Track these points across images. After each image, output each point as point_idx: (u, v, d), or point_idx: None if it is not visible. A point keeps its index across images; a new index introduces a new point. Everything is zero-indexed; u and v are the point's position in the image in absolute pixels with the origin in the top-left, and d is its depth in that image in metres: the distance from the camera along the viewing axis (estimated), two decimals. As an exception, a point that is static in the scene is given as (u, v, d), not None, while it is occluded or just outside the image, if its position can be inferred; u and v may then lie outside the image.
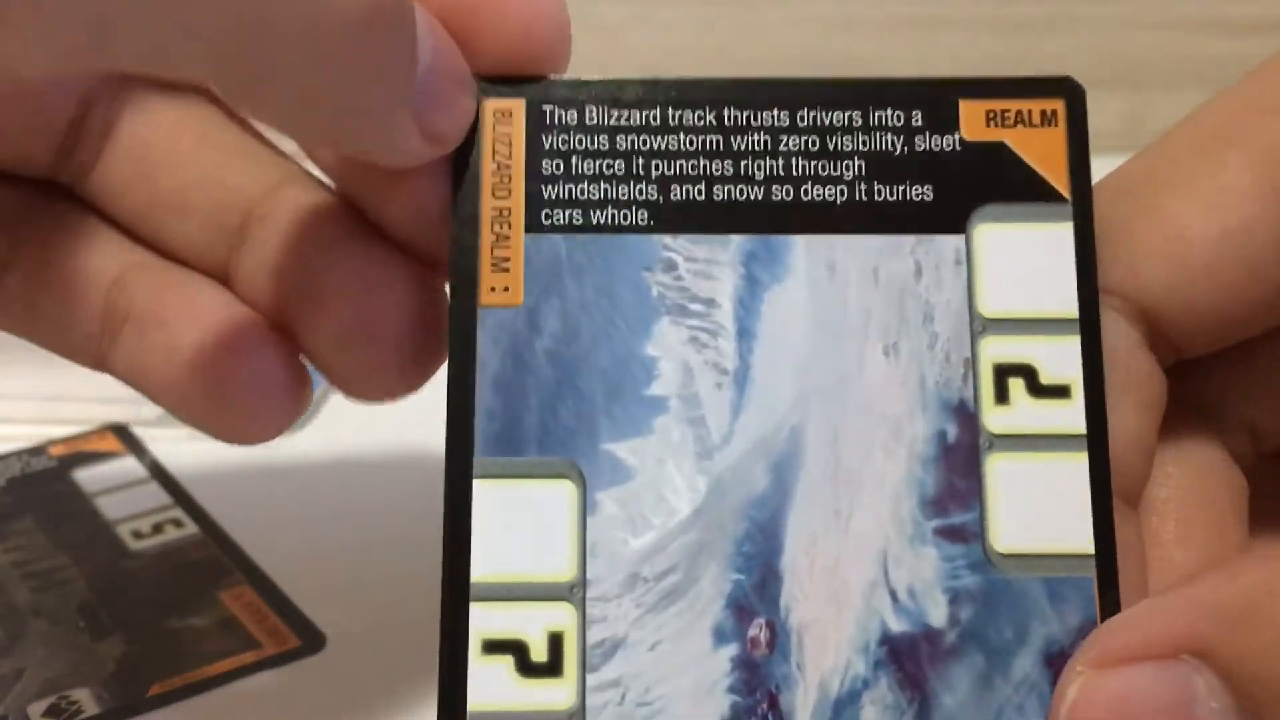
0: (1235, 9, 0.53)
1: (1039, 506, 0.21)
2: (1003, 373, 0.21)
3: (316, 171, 0.24)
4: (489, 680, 0.20)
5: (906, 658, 0.21)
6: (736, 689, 0.21)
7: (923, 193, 0.22)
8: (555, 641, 0.21)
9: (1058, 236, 0.22)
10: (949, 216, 0.22)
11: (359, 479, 0.35)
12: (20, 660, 0.29)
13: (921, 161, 0.22)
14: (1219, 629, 0.20)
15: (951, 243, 0.22)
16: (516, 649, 0.21)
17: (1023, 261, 0.22)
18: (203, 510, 0.34)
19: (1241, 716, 0.20)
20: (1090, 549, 0.21)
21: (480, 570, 0.21)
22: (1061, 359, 0.21)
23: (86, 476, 0.36)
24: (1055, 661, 0.21)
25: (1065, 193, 0.22)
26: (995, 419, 0.21)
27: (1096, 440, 0.21)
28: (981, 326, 0.22)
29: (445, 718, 0.20)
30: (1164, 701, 0.20)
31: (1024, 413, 0.21)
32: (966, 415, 0.21)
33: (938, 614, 0.21)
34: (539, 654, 0.21)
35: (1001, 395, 0.21)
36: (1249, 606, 0.19)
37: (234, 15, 0.17)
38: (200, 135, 0.24)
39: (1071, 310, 0.21)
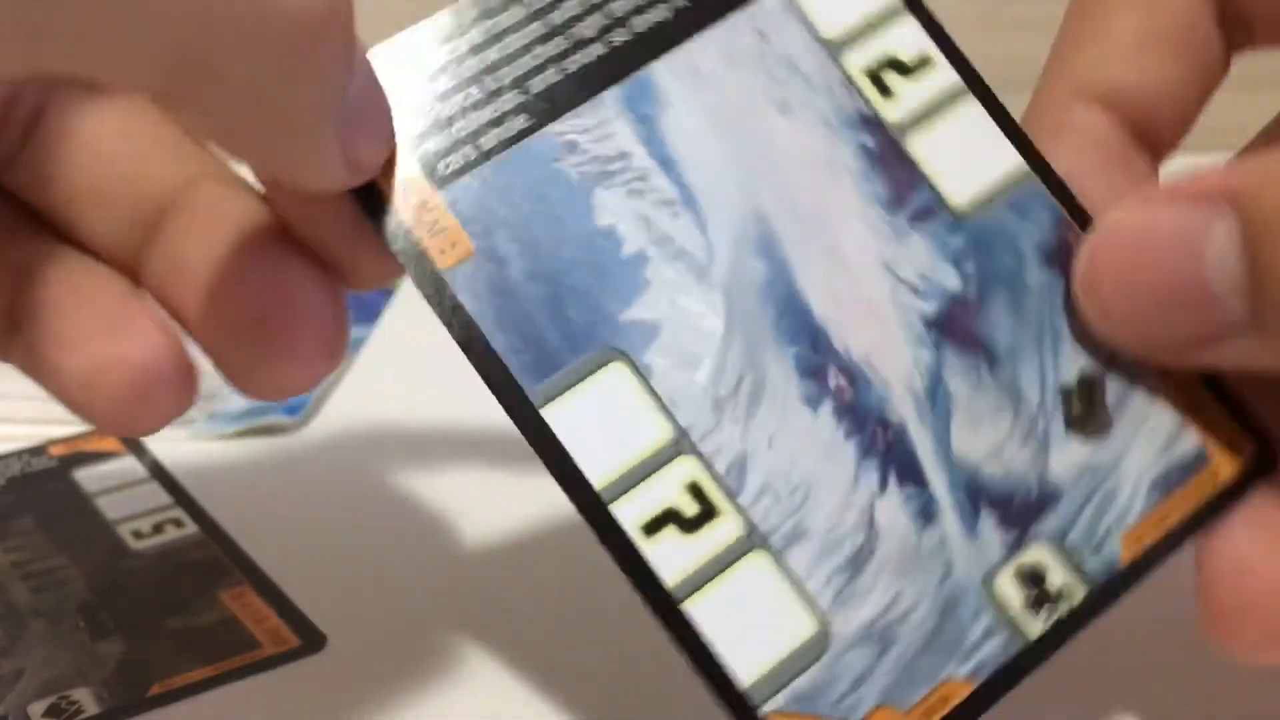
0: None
1: (967, 154, 0.24)
2: (873, 74, 0.24)
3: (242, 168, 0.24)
4: (668, 554, 0.22)
5: (954, 327, 0.24)
6: (852, 432, 0.23)
7: None
8: (696, 490, 0.22)
9: None
10: None
11: (359, 479, 0.35)
12: (20, 660, 0.29)
13: None
14: (1257, 182, 0.21)
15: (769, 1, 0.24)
16: (671, 516, 0.22)
17: None
18: (203, 510, 0.34)
19: (1243, 272, 0.21)
20: (1023, 164, 0.24)
21: (597, 476, 0.22)
22: (910, 38, 0.25)
23: (87, 476, 0.36)
24: (1055, 258, 0.24)
25: None
26: (892, 110, 0.24)
27: (973, 81, 0.25)
28: (835, 49, 0.24)
29: (656, 608, 0.21)
30: (1181, 236, 0.22)
31: (909, 93, 0.24)
32: (870, 121, 0.24)
33: (952, 281, 0.24)
34: (690, 508, 0.22)
35: (884, 90, 0.24)
36: None
37: (188, 16, 0.17)
38: (124, 127, 0.24)
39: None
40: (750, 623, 0.22)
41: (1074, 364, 0.24)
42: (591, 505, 0.22)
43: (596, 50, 0.23)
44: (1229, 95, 0.27)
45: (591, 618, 0.30)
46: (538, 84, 0.23)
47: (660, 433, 0.22)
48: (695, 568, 0.22)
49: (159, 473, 0.36)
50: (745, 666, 0.21)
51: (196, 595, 0.31)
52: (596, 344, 0.22)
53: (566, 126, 0.23)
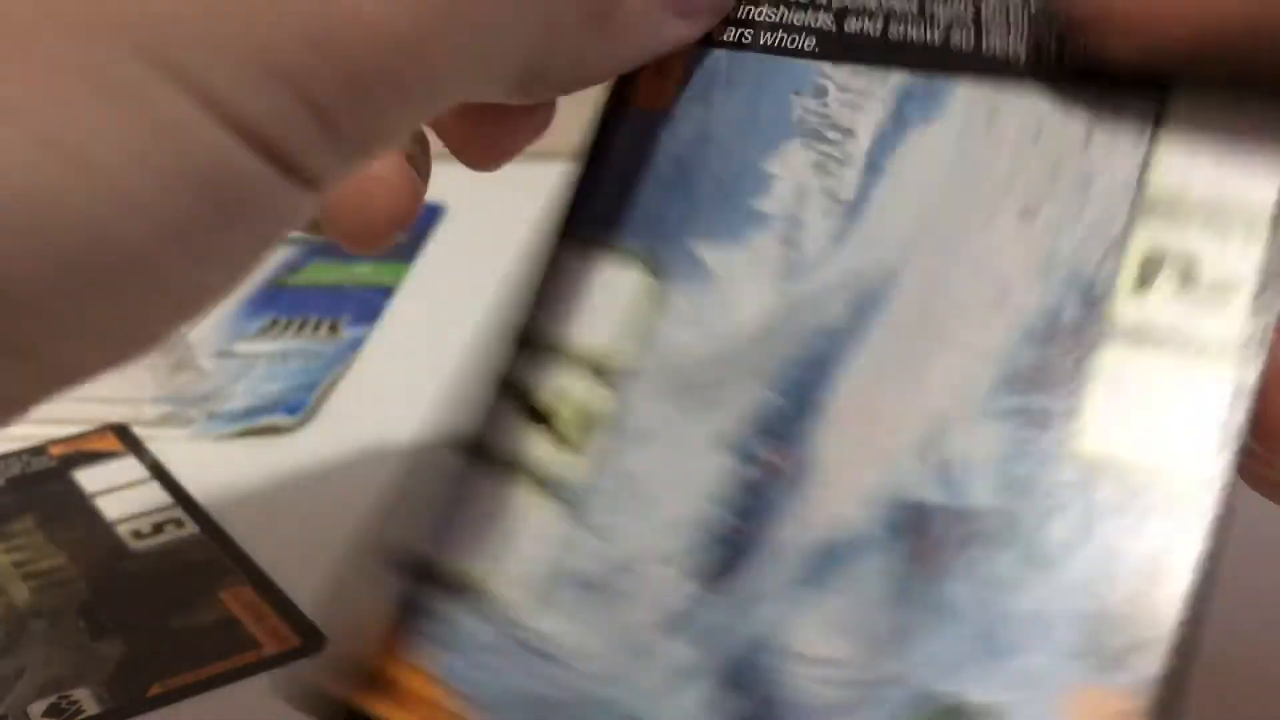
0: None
1: (1149, 413, 0.18)
2: (1155, 258, 0.19)
3: None
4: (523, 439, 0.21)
5: (930, 531, 0.19)
6: (729, 504, 0.20)
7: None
8: (585, 420, 0.21)
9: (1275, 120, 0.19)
10: (1149, 79, 0.19)
11: (359, 479, 0.35)
12: (20, 660, 0.29)
13: None
14: None
15: (1142, 107, 0.19)
16: (546, 416, 0.21)
17: (1223, 140, 0.19)
18: (203, 510, 0.34)
19: None
20: (1194, 481, 0.18)
21: (551, 325, 0.21)
22: (1234, 256, 0.18)
23: (87, 476, 0.36)
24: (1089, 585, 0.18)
25: None
26: (1129, 307, 0.19)
27: (1247, 354, 0.18)
28: (1147, 203, 0.19)
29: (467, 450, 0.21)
30: None
31: (1166, 307, 0.18)
32: (1092, 298, 0.19)
33: (983, 496, 0.19)
34: (567, 429, 0.21)
35: (1145, 282, 0.19)
36: None
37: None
38: None
39: (1267, 205, 0.18)
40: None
41: None
42: (513, 333, 0.21)
43: (930, 35, 0.21)
44: None
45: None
46: (853, 24, 0.21)
47: (613, 349, 0.21)
48: (525, 462, 0.21)
49: (159, 473, 0.36)
50: None
51: (196, 595, 0.31)
52: (652, 245, 0.21)
53: (837, 74, 0.21)
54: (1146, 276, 0.19)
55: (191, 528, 0.34)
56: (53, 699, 0.28)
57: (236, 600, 0.31)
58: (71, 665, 0.29)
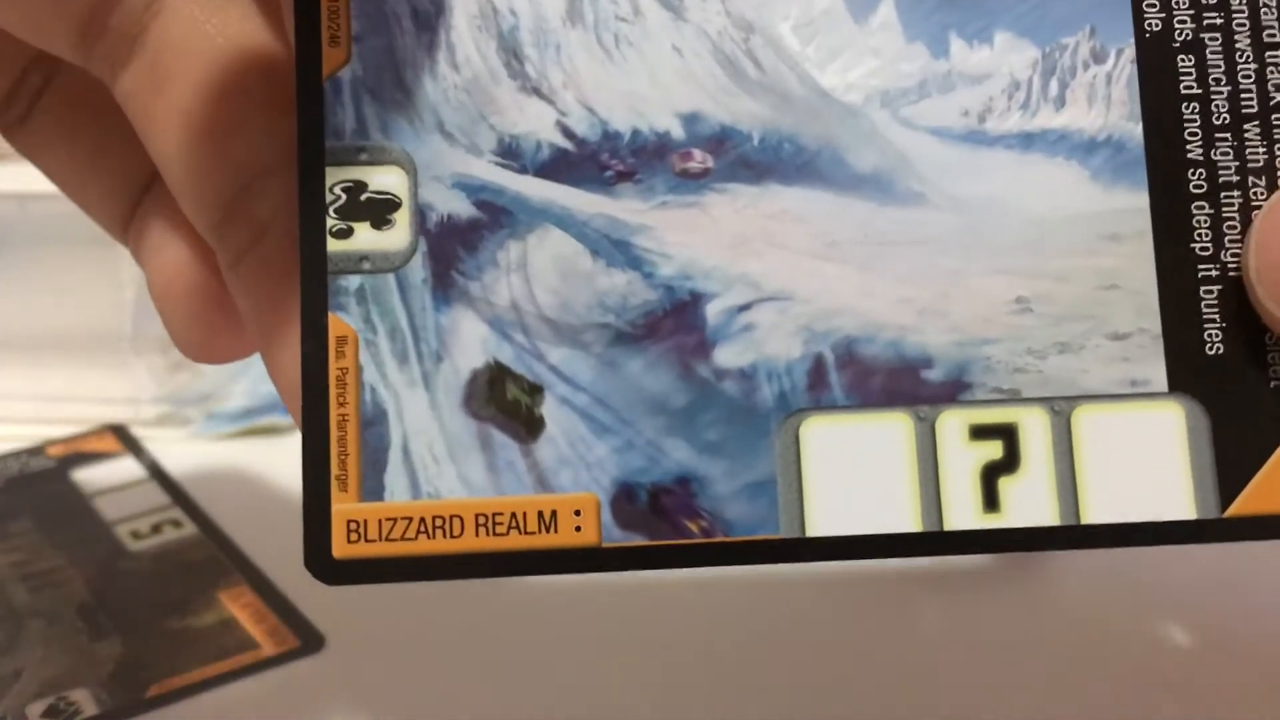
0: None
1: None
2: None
3: None
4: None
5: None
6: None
7: None
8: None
9: None
10: None
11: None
12: (19, 661, 0.29)
13: None
14: None
15: None
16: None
17: None
18: (202, 510, 0.34)
19: None
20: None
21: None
22: None
23: (85, 477, 0.36)
24: None
25: None
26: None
27: None
28: None
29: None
30: None
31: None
32: None
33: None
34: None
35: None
36: None
37: None
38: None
39: None
40: None
41: None
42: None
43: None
44: None
45: (591, 616, 0.30)
46: None
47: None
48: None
49: (157, 473, 0.36)
50: None
51: (195, 595, 0.31)
52: None
53: None
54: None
55: (190, 528, 0.34)
56: (51, 700, 0.28)
57: (235, 601, 0.31)
58: (70, 666, 0.29)
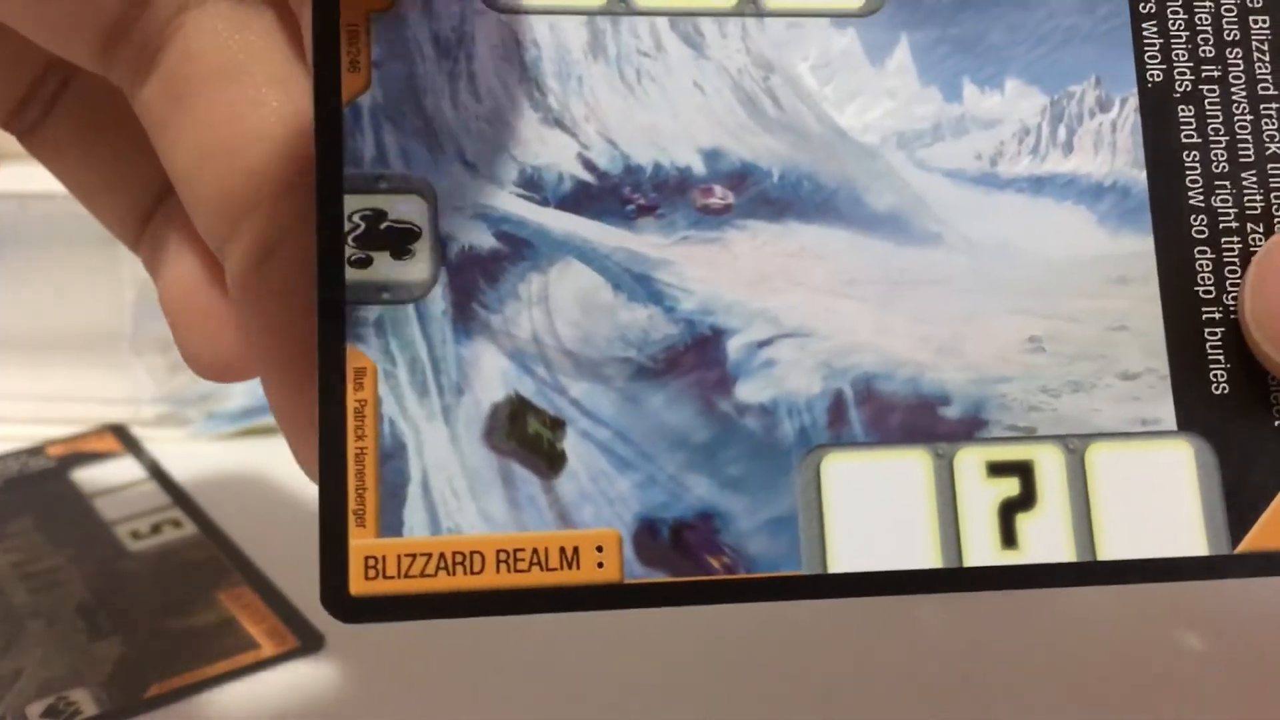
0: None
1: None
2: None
3: None
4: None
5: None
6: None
7: None
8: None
9: None
10: None
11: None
12: (18, 661, 0.29)
13: None
14: None
15: None
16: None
17: None
18: (202, 510, 0.34)
19: None
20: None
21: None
22: None
23: (85, 477, 0.36)
24: None
25: None
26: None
27: None
28: None
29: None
30: None
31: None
32: None
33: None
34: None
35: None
36: None
37: None
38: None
39: None
40: None
41: None
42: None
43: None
44: None
45: (591, 616, 0.30)
46: None
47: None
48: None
49: (157, 473, 0.36)
50: None
51: (195, 596, 0.31)
52: None
53: None
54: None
55: (190, 528, 0.34)
56: (51, 700, 0.28)
57: (235, 601, 0.31)
58: (69, 666, 0.29)
